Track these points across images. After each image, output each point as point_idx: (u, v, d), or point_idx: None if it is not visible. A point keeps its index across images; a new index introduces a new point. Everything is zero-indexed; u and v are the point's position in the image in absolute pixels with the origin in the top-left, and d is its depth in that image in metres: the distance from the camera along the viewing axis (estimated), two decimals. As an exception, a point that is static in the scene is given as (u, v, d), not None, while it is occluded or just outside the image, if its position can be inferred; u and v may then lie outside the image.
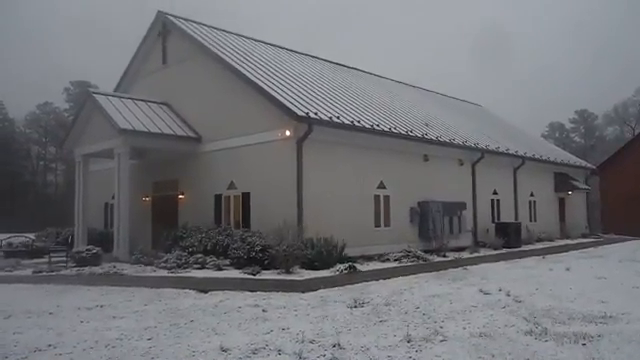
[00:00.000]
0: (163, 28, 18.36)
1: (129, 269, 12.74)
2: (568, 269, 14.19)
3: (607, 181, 32.67)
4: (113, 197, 15.82)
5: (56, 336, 6.97)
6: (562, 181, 26.88)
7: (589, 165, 31.63)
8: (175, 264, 12.67)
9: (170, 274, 11.99)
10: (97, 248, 14.49)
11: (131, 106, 16.50)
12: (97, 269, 12.94)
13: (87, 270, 13.01)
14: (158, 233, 16.61)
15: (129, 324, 7.59)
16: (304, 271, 11.98)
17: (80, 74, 56.19)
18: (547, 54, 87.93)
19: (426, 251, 15.86)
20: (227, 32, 19.68)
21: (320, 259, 12.41)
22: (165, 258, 13.20)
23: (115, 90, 19.43)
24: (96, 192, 18.88)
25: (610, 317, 7.87)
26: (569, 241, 23.64)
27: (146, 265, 13.31)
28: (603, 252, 20.12)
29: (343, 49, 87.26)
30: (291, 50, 22.40)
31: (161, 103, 17.63)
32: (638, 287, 11.12)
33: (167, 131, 16.18)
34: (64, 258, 14.86)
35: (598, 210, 33.76)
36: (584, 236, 26.76)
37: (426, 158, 17.89)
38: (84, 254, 14.14)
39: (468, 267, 14.67)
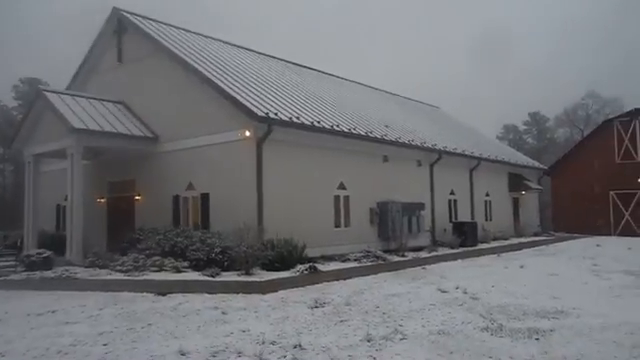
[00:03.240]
0: (119, 25, 17.86)
1: (83, 273, 12.33)
2: (522, 267, 14.64)
3: (558, 181, 33.88)
4: (66, 198, 15.29)
5: (4, 344, 6.69)
6: (516, 181, 27.72)
7: (541, 166, 32.76)
8: (132, 267, 12.35)
9: (126, 277, 11.68)
10: (48, 252, 13.96)
11: (85, 105, 15.99)
12: (49, 273, 12.46)
13: (38, 275, 12.51)
14: (114, 235, 16.16)
15: (83, 329, 7.36)
16: (264, 272, 11.90)
17: (30, 71, 54.19)
18: (503, 57, 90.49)
19: (386, 251, 16.03)
20: (186, 31, 19.34)
21: (281, 260, 12.35)
22: (121, 261, 12.85)
23: (68, 88, 18.74)
24: (47, 193, 18.21)
25: (562, 312, 8.17)
26: (523, 239, 24.39)
27: (101, 268, 12.92)
28: (554, 250, 20.86)
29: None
30: (252, 50, 22.22)
31: (117, 102, 17.16)
32: (587, 283, 11.59)
33: (123, 130, 15.76)
34: (13, 262, 14.26)
35: (549, 209, 34.97)
36: (536, 234, 27.67)
37: (385, 159, 18.09)
38: (34, 258, 13.59)
39: (426, 266, 14.93)
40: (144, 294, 10.33)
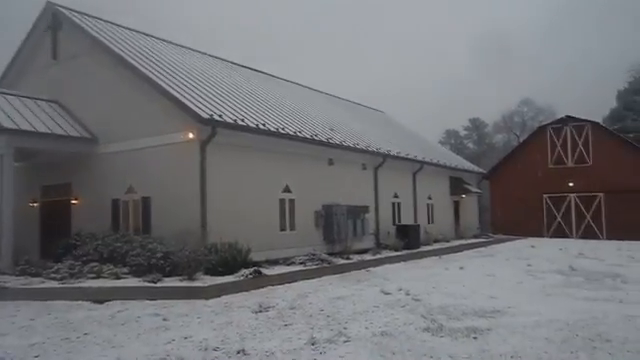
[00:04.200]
0: (53, 20, 17.08)
1: (13, 281, 11.66)
2: (462, 268, 15.10)
3: (496, 185, 35.28)
4: (-5, 203, 14.42)
5: None
6: (457, 185, 28.64)
7: (481, 170, 33.98)
8: (67, 274, 11.79)
9: (61, 285, 11.14)
10: (-25, 259, 13.13)
11: (16, 103, 15.17)
12: (-25, 282, 11.71)
13: (-37, 284, 11.72)
14: (48, 241, 15.41)
15: (12, 341, 6.95)
16: (208, 277, 11.68)
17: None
18: (445, 63, 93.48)
19: (331, 254, 16.14)
20: (127, 28, 18.74)
21: (224, 264, 12.17)
22: (55, 268, 12.24)
23: (-3, 86, 17.76)
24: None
25: (498, 312, 8.48)
26: (463, 241, 25.19)
27: (33, 276, 12.24)
28: (492, 251, 21.66)
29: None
30: (198, 51, 21.81)
31: (51, 101, 16.39)
32: (522, 283, 12.10)
33: (58, 131, 15.07)
34: None
35: (488, 212, 36.33)
36: (476, 237, 28.66)
37: (331, 162, 18.22)
38: (-41, 266, 12.75)
39: (370, 269, 15.12)
40: (80, 302, 9.89)
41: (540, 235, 31.86)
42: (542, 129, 34.83)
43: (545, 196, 33.16)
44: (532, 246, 23.65)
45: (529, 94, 67.98)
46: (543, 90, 75.91)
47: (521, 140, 42.38)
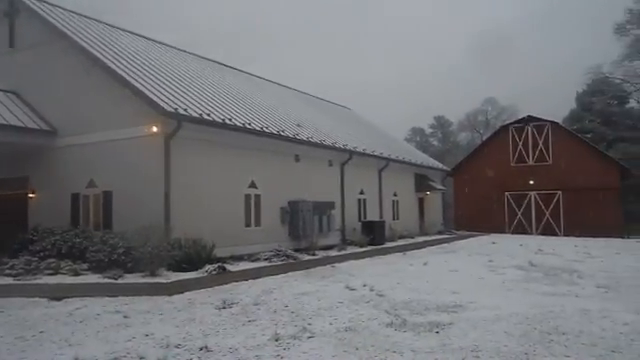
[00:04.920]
0: (10, 7, 16.43)
1: (-35, 278, 11.21)
2: (425, 264, 15.32)
3: (459, 182, 35.97)
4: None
5: None
6: (422, 182, 29.03)
7: (445, 167, 34.56)
8: (23, 270, 11.39)
9: (16, 281, 10.76)
10: None
11: (-30, 93, 14.58)
12: None
13: None
14: (2, 236, 14.86)
15: (-38, 340, 6.68)
16: (171, 273, 11.49)
17: None
18: (410, 62, 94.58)
19: (296, 250, 16.12)
20: (89, 18, 18.20)
21: (188, 260, 12.00)
22: (10, 264, 11.81)
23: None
24: None
25: (460, 306, 8.64)
26: (427, 238, 25.57)
27: (-14, 272, 11.81)
28: (456, 247, 22.06)
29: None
30: (165, 44, 21.38)
31: (8, 91, 15.79)
32: (483, 278, 12.36)
33: (15, 122, 14.51)
34: None
35: (452, 209, 37.00)
36: (440, 233, 29.15)
37: (297, 158, 18.18)
38: None
39: (336, 265, 15.19)
40: (36, 299, 9.58)
41: (502, 231, 32.66)
42: (504, 128, 35.66)
43: (507, 194, 33.98)
44: (493, 242, 24.20)
45: (494, 93, 69.57)
46: (506, 90, 77.70)
47: (484, 139, 43.23)
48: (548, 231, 32.11)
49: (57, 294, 9.77)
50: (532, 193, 33.26)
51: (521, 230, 32.99)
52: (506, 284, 11.32)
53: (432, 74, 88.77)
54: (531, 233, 32.50)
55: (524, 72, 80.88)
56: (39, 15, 15.69)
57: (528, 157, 33.65)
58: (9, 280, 10.93)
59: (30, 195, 15.48)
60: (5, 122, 14.27)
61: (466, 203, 35.12)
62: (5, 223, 15.57)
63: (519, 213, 33.63)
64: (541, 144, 33.32)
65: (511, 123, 35.95)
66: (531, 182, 33.02)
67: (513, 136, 34.25)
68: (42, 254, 12.41)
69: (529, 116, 34.43)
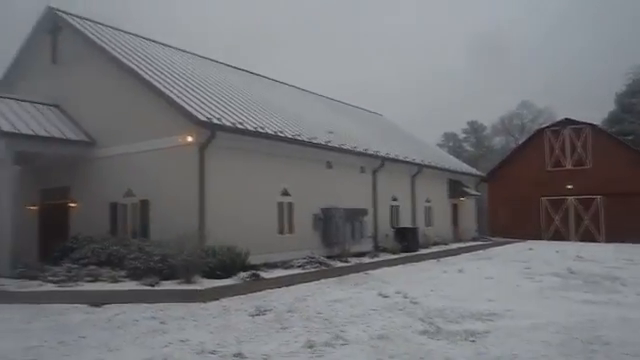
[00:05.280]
0: (53, 25, 17.12)
1: (11, 284, 11.65)
2: (460, 271, 15.10)
3: (494, 188, 35.31)
4: (-7, 206, 14.41)
5: None
6: (455, 188, 28.65)
7: (479, 173, 34.00)
8: (65, 277, 11.77)
9: (58, 288, 11.13)
10: (-27, 262, 13.11)
11: (15, 107, 15.18)
12: (-28, 286, 11.71)
13: (-40, 287, 11.72)
14: (46, 245, 15.40)
15: (8, 345, 6.93)
16: (206, 280, 11.67)
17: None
18: (442, 65, 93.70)
19: (329, 257, 16.13)
20: (126, 32, 18.78)
21: (222, 268, 12.16)
22: (53, 271, 12.23)
23: (-3, 90, 17.77)
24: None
25: (496, 314, 8.48)
26: (461, 244, 25.19)
27: (31, 279, 12.23)
28: (491, 254, 21.66)
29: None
30: (196, 54, 21.85)
31: (51, 105, 16.40)
32: (520, 285, 12.10)
33: (57, 135, 15.07)
34: None
35: (486, 215, 36.35)
36: (474, 239, 28.69)
37: (329, 165, 18.23)
38: (-43, 269, 12.73)
39: (369, 271, 15.11)
40: (77, 305, 9.86)
41: (538, 238, 31.87)
42: (540, 132, 34.91)
43: (543, 199, 33.20)
44: (530, 249, 23.66)
45: (529, 96, 68.19)
46: (542, 92, 75.96)
47: (519, 143, 42.37)
48: (587, 237, 31.17)
49: (96, 300, 10.04)
50: (570, 198, 32.40)
51: (559, 236, 32.13)
52: (544, 292, 11.05)
53: (464, 77, 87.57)
54: (569, 239, 31.62)
55: (561, 74, 78.89)
56: (79, 31, 16.29)
57: (565, 161, 32.82)
58: (52, 287, 11.31)
59: (71, 205, 15.99)
60: (48, 134, 14.82)
61: (501, 209, 34.42)
62: (49, 232, 16.15)
63: (556, 219, 32.79)
64: (579, 147, 32.46)
65: (547, 126, 35.18)
66: (569, 187, 32.16)
67: (549, 140, 33.48)
68: (82, 261, 12.78)
69: (566, 119, 33.62)
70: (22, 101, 15.78)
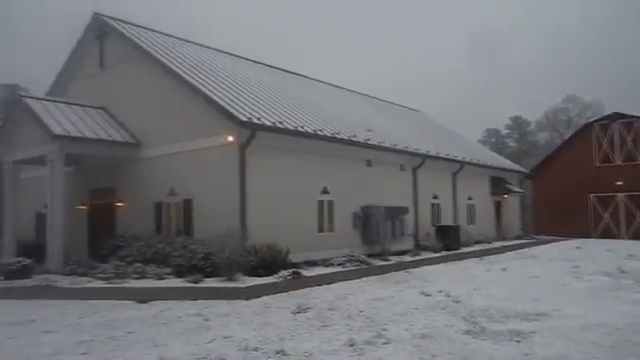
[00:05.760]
0: (100, 30, 17.72)
1: (63, 281, 12.15)
2: (504, 269, 14.77)
3: (539, 185, 34.31)
4: (46, 206, 15.05)
5: (-19, 354, 6.55)
6: (498, 185, 28.01)
7: (523, 169, 33.10)
8: (113, 274, 12.20)
9: (107, 285, 11.54)
10: (28, 260, 13.72)
11: (66, 110, 15.80)
12: (28, 282, 12.28)
13: (17, 283, 12.30)
14: (95, 243, 15.96)
15: (62, 339, 7.24)
16: (247, 278, 11.83)
17: (8, 77, 53.27)
18: (488, 61, 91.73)
19: (369, 255, 16.08)
20: (168, 35, 19.24)
21: (264, 265, 12.31)
22: (102, 268, 12.70)
23: (48, 94, 18.52)
24: (27, 201, 17.90)
25: (542, 314, 8.24)
26: (504, 243, 24.61)
27: (81, 276, 12.73)
28: (535, 252, 21.07)
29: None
30: (235, 55, 22.16)
31: (98, 107, 16.99)
32: (567, 285, 11.72)
33: (104, 136, 15.61)
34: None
35: (531, 212, 35.38)
36: (518, 237, 27.95)
37: (369, 163, 18.16)
38: (13, 266, 13.35)
39: (410, 270, 14.98)
40: (125, 302, 10.20)
41: (586, 236, 30.74)
42: (588, 126, 33.72)
43: (591, 196, 32.05)
44: (578, 247, 22.87)
45: (575, 90, 65.91)
46: (589, 86, 73.31)
47: (565, 138, 41.01)
48: (639, 236, 29.91)
49: (143, 297, 10.34)
50: (620, 195, 31.14)
51: (608, 235, 30.92)
52: (593, 291, 10.66)
53: (510, 72, 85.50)
54: (620, 238, 30.40)
55: (609, 66, 75.93)
56: (125, 36, 16.81)
57: (615, 156, 31.58)
58: (101, 283, 11.74)
59: (118, 204, 16.51)
60: (96, 136, 15.36)
61: (546, 206, 33.39)
62: (97, 230, 16.73)
63: (605, 216, 31.60)
64: (630, 142, 31.17)
65: (595, 120, 33.93)
66: (619, 183, 30.91)
67: (597, 134, 32.28)
68: (129, 259, 13.20)
69: (616, 113, 32.32)
70: (72, 104, 16.41)
